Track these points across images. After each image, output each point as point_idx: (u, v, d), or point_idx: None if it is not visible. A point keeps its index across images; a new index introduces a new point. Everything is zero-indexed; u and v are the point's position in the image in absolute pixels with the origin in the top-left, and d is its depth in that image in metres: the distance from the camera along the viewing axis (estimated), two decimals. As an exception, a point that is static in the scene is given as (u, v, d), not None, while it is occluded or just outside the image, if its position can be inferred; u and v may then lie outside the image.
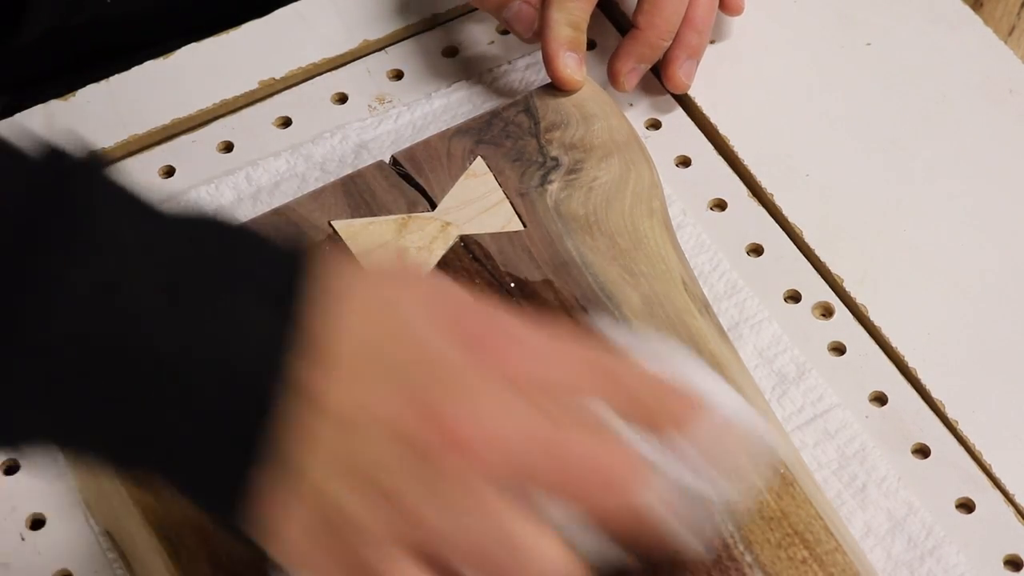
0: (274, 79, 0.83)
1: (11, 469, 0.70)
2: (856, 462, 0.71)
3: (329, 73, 0.84)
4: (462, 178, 0.73)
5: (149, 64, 0.84)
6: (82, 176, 0.50)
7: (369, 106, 0.83)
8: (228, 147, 0.81)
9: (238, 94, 0.83)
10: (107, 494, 0.66)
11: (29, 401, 0.49)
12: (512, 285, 0.70)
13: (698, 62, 0.82)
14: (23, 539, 0.68)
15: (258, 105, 0.83)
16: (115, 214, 0.49)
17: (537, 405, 0.50)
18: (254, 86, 0.83)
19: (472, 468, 0.49)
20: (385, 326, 0.50)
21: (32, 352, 0.48)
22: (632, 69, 0.80)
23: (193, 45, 0.85)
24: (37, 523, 0.68)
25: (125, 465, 0.52)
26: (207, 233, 0.50)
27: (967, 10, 0.87)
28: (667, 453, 0.53)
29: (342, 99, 0.83)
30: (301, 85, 0.84)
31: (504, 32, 0.86)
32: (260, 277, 0.49)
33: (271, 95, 0.83)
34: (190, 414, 0.48)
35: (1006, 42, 0.86)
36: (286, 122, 0.82)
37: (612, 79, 0.81)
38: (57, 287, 0.47)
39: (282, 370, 0.48)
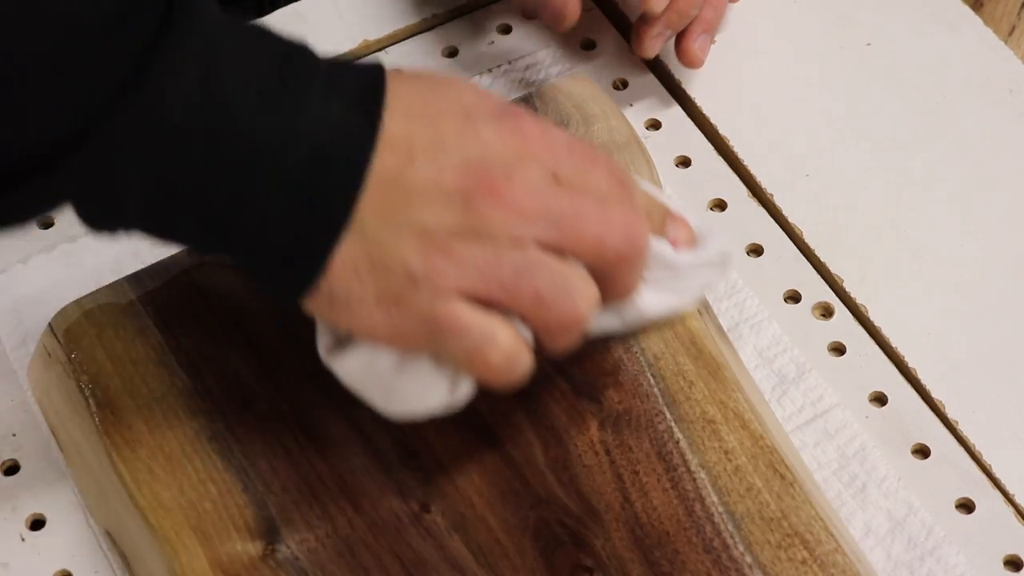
0: (274, 79, 0.83)
1: (11, 469, 0.70)
2: (856, 462, 0.71)
3: (329, 73, 0.84)
4: (462, 178, 0.73)
5: (149, 64, 0.84)
6: None
7: (369, 106, 0.83)
8: (228, 147, 0.81)
9: (238, 94, 0.82)
10: (107, 495, 0.66)
11: (129, 169, 0.54)
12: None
13: (712, 38, 0.83)
14: (23, 539, 0.68)
15: (258, 105, 0.83)
16: (211, 15, 0.56)
17: (569, 188, 0.60)
18: (254, 86, 0.83)
19: (517, 221, 0.58)
20: (446, 120, 0.59)
21: (145, 122, 0.54)
22: (659, 34, 0.82)
23: (193, 45, 0.85)
24: (37, 523, 0.68)
25: (207, 233, 0.58)
26: (291, 44, 0.58)
27: (967, 10, 0.87)
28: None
29: (342, 99, 0.83)
30: (301, 85, 0.84)
31: (505, 32, 0.86)
32: (342, 81, 0.58)
33: (271, 95, 0.83)
34: (279, 191, 0.56)
35: (1006, 42, 0.86)
36: (286, 122, 0.82)
37: (637, 42, 0.82)
38: (168, 64, 0.54)
39: (366, 156, 0.57)
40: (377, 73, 0.59)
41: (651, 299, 0.66)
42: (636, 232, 0.61)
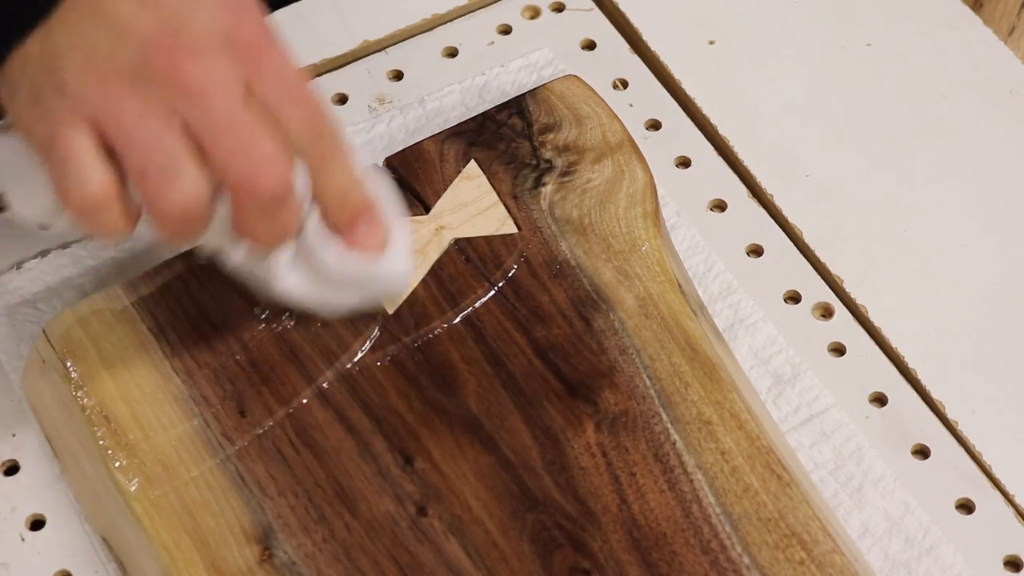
0: (274, 80, 0.83)
1: (11, 470, 0.70)
2: (852, 462, 0.71)
3: (329, 73, 0.84)
4: (456, 181, 0.73)
5: (150, 65, 0.84)
6: None
7: (369, 106, 0.83)
8: (228, 148, 0.81)
9: (238, 95, 0.83)
10: (103, 501, 0.66)
11: None
12: (506, 288, 0.70)
13: None
14: (23, 539, 0.68)
15: (258, 106, 0.83)
16: None
17: (250, 103, 0.59)
18: (254, 87, 0.83)
19: (176, 96, 0.58)
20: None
21: None
22: None
23: (194, 46, 0.85)
24: (37, 524, 0.69)
25: None
26: None
27: (967, 10, 0.87)
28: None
29: (342, 100, 0.83)
30: (301, 86, 0.84)
31: (505, 32, 0.86)
32: None
33: (271, 96, 0.83)
34: None
35: (1006, 42, 0.86)
36: (286, 123, 0.82)
37: None
38: None
39: None
40: None
41: (290, 281, 0.64)
42: (266, 178, 0.59)
